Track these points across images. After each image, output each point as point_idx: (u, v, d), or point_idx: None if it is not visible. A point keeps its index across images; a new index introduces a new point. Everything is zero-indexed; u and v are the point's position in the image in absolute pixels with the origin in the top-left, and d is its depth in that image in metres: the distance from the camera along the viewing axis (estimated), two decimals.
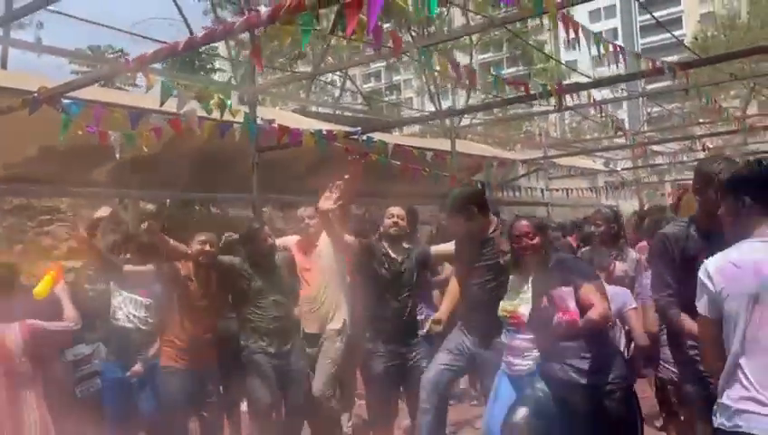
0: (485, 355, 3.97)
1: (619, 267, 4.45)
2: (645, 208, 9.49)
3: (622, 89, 10.95)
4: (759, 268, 2.18)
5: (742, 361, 2.16)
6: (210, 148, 6.98)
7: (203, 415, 4.47)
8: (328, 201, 4.16)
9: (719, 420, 2.25)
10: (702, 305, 2.32)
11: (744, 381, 2.15)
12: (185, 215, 9.91)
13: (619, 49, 4.26)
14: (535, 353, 3.52)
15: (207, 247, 4.25)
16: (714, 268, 2.29)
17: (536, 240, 3.41)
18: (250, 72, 5.89)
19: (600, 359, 3.15)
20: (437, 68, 4.09)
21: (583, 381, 3.13)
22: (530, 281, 3.49)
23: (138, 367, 4.49)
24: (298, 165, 8.35)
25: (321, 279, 4.62)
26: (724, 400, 2.22)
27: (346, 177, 4.17)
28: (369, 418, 4.59)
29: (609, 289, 3.58)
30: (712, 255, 2.71)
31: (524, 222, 3.48)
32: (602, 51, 4.12)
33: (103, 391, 4.77)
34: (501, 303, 3.65)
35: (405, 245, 4.54)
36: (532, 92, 4.63)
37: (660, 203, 12.22)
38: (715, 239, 2.79)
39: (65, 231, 9.79)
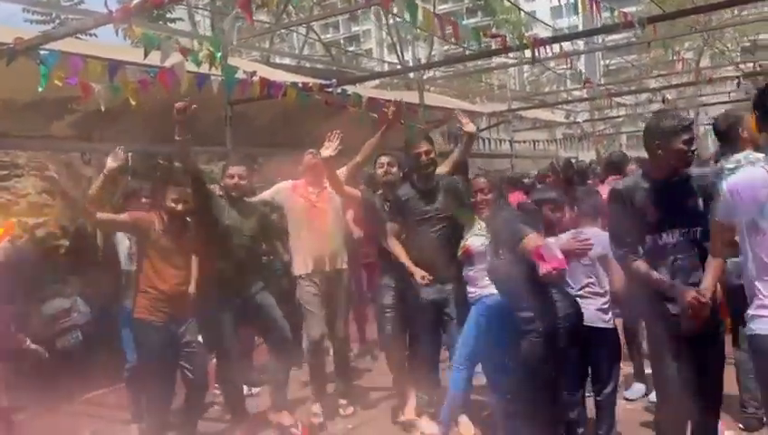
0: (445, 299, 4.26)
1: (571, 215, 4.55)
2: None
3: (585, 41, 11.07)
4: (756, 195, 2.47)
5: (757, 282, 2.52)
6: (176, 100, 6.86)
7: (185, 366, 4.29)
8: (328, 149, 4.38)
9: (748, 327, 2.60)
10: (720, 213, 2.64)
11: (760, 295, 2.51)
12: (148, 169, 9.74)
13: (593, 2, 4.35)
14: (483, 282, 3.90)
15: (180, 207, 4.17)
16: (734, 187, 2.56)
17: (490, 196, 3.83)
18: (225, 23, 5.77)
19: (546, 303, 3.36)
20: (421, 20, 4.09)
21: (531, 326, 3.34)
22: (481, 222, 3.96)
23: None
24: (263, 118, 8.28)
25: (333, 219, 4.78)
26: (749, 311, 2.58)
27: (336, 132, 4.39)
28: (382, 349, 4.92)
29: (596, 233, 3.77)
30: (660, 205, 2.98)
31: (482, 179, 3.89)
32: (579, 3, 4.20)
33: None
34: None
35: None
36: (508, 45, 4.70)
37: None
38: (664, 190, 3.01)
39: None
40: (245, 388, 5.43)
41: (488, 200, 3.87)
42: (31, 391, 5.42)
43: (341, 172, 4.73)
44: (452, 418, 4.23)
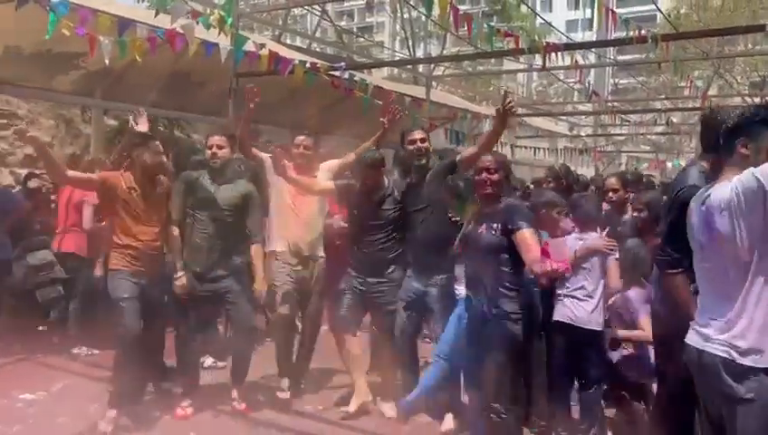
0: (430, 292, 4.24)
1: (569, 222, 4.50)
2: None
3: (597, 54, 11.05)
4: (691, 214, 2.39)
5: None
6: (181, 67, 6.81)
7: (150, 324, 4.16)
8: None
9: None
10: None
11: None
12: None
13: (611, 14, 4.35)
14: None
15: (163, 158, 4.14)
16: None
17: (496, 176, 3.44)
18: None
19: (508, 293, 3.35)
20: (437, 13, 4.07)
21: (494, 311, 3.34)
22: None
23: None
24: (270, 95, 8.23)
25: (316, 207, 4.72)
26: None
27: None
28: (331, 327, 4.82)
29: (594, 238, 3.84)
30: None
31: (489, 157, 3.54)
32: (596, 14, 4.21)
33: None
34: None
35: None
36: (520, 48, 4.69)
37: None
38: None
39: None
40: (210, 359, 5.38)
41: (495, 181, 3.44)
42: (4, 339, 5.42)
43: (334, 164, 4.76)
44: (414, 408, 4.24)
